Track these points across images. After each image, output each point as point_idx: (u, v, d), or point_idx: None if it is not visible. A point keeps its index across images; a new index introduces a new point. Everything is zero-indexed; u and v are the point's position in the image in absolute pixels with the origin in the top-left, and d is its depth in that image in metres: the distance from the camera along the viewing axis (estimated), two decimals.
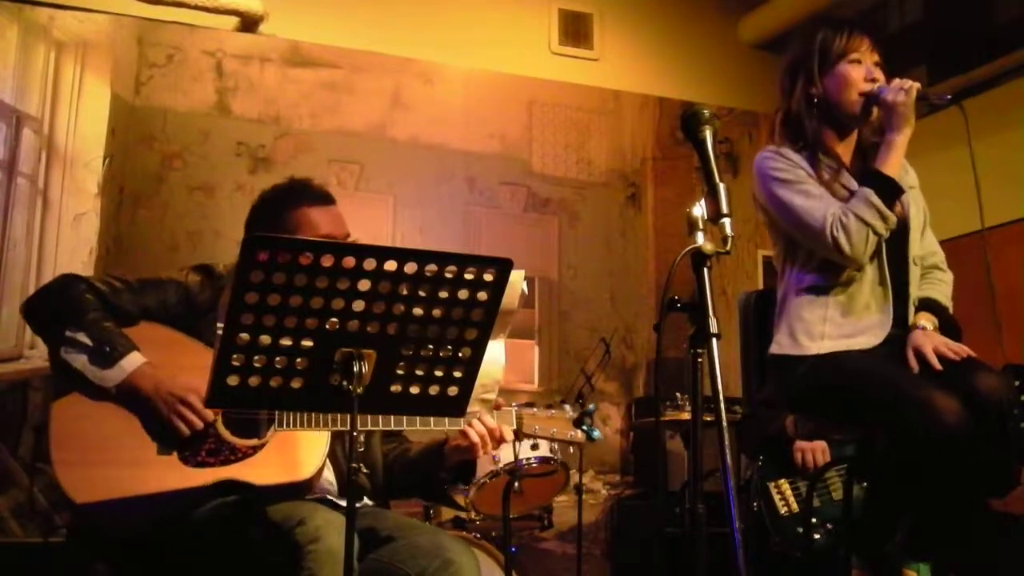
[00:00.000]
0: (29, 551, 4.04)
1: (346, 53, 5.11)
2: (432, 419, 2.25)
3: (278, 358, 1.76)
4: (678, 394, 4.18)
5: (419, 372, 1.84)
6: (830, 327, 2.55)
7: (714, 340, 1.74)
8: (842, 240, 2.47)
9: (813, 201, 2.54)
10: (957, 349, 2.47)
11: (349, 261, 1.69)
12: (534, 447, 3.42)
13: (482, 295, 1.77)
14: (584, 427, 2.51)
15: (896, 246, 2.60)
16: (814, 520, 3.39)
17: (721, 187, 1.79)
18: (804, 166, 2.59)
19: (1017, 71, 5.02)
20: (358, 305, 1.73)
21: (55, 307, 2.18)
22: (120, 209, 4.63)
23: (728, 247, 1.77)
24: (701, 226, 1.79)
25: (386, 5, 5.20)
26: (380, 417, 2.25)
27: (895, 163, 2.52)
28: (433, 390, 1.86)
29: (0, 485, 4.17)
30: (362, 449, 2.40)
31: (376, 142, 5.14)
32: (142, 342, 2.17)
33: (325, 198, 2.44)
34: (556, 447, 3.53)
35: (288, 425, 2.18)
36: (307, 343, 1.75)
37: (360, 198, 5.08)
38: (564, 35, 5.62)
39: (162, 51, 4.80)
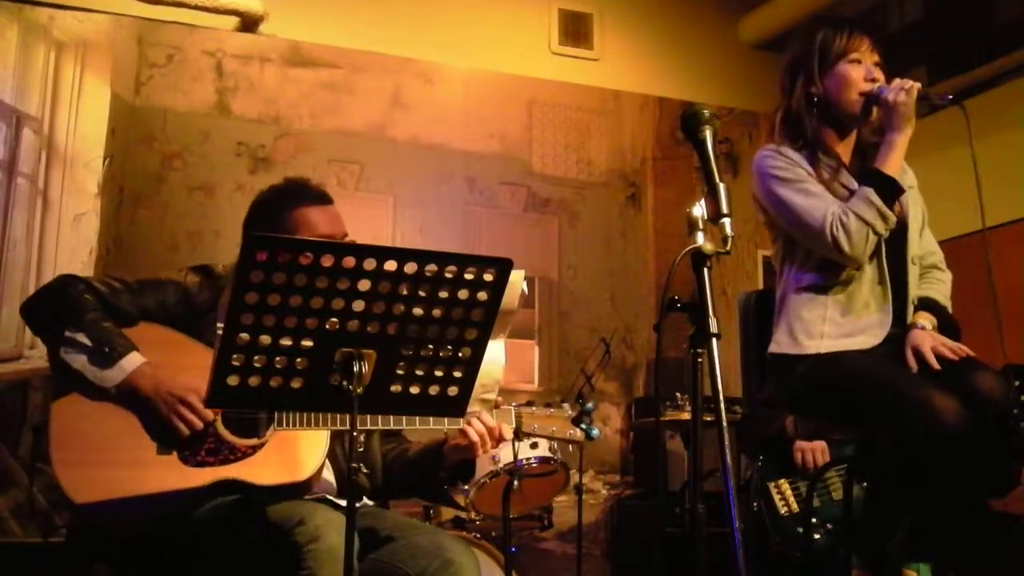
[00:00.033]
0: (29, 551, 4.03)
1: (346, 53, 5.11)
2: (432, 418, 2.25)
3: (278, 358, 1.76)
4: (678, 394, 4.18)
5: (419, 372, 1.84)
6: (829, 326, 2.55)
7: (714, 340, 1.74)
8: (842, 239, 2.48)
9: (813, 200, 2.54)
10: (956, 348, 2.47)
11: (349, 261, 1.69)
12: (533, 446, 3.42)
13: (482, 295, 1.77)
14: (583, 425, 2.52)
15: (895, 246, 2.60)
16: (814, 520, 3.39)
17: (721, 187, 1.79)
18: (804, 165, 2.59)
19: (1017, 71, 5.03)
20: (358, 305, 1.73)
21: (54, 307, 2.18)
22: (120, 209, 4.63)
23: (728, 247, 1.77)
24: (701, 226, 1.79)
25: (386, 5, 5.20)
26: (379, 416, 2.25)
27: (895, 163, 2.52)
28: (433, 390, 1.86)
29: (0, 485, 4.17)
30: (361, 449, 2.40)
31: (376, 142, 5.14)
32: (142, 342, 2.17)
33: (323, 198, 2.44)
34: (556, 446, 3.53)
35: (287, 424, 2.18)
36: (307, 343, 1.75)
37: (360, 198, 5.08)
38: (564, 35, 5.62)
39: (162, 51, 4.80)
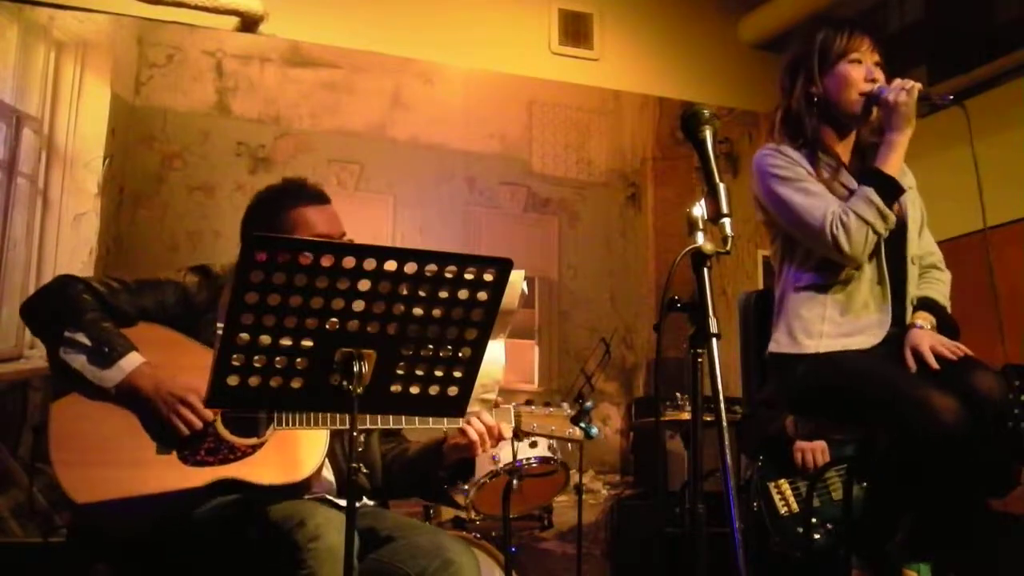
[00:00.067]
0: (29, 551, 4.03)
1: (346, 53, 5.11)
2: (431, 418, 2.25)
3: (278, 358, 1.76)
4: (678, 394, 4.18)
5: (419, 372, 1.84)
6: (828, 326, 2.55)
7: (714, 340, 1.74)
8: (842, 238, 2.48)
9: (813, 199, 2.54)
10: (954, 348, 2.47)
11: (349, 261, 1.69)
12: (533, 445, 3.42)
13: (482, 295, 1.77)
14: (582, 424, 2.52)
15: (894, 245, 2.60)
16: (814, 520, 3.39)
17: (721, 187, 1.79)
18: (804, 164, 2.59)
19: (1017, 71, 5.02)
20: (358, 305, 1.73)
21: (54, 307, 2.18)
22: (120, 209, 4.63)
23: (728, 247, 1.77)
24: (701, 226, 1.79)
25: (386, 5, 5.20)
26: (379, 416, 2.25)
27: (895, 163, 2.52)
28: (433, 390, 1.86)
29: (0, 485, 4.17)
30: (361, 449, 2.40)
31: (376, 142, 5.14)
32: (141, 343, 2.17)
33: (320, 197, 2.44)
34: (555, 446, 3.53)
35: (287, 424, 2.18)
36: (307, 343, 1.75)
37: (360, 198, 5.08)
38: (564, 35, 5.62)
39: (162, 51, 4.80)
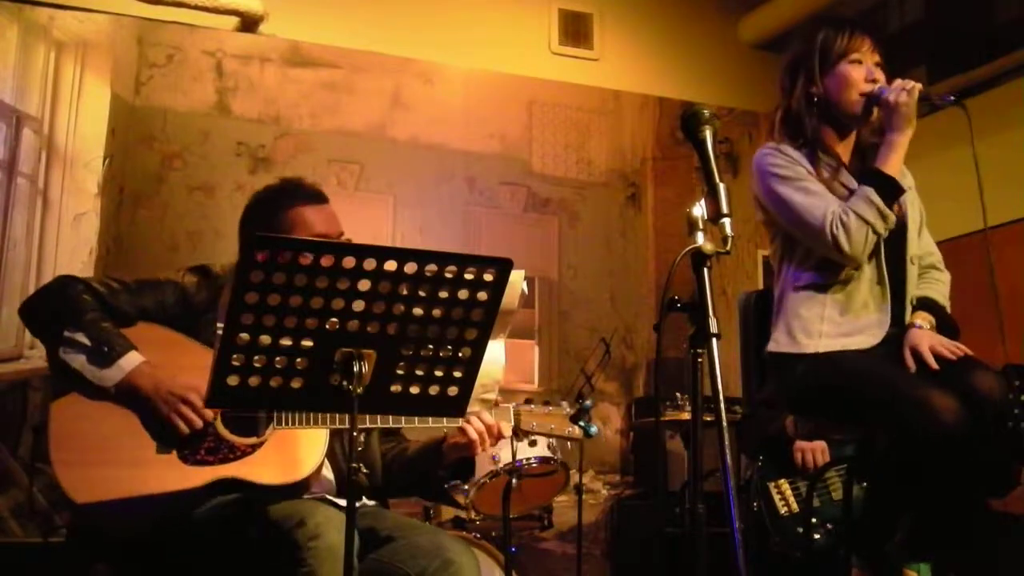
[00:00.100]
0: (29, 551, 4.03)
1: (346, 53, 5.11)
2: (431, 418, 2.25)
3: (278, 358, 1.76)
4: (678, 394, 4.18)
5: (419, 372, 1.84)
6: (828, 325, 2.55)
7: (714, 340, 1.74)
8: (842, 238, 2.47)
9: (813, 198, 2.54)
10: (954, 348, 2.47)
11: (349, 261, 1.69)
12: (532, 444, 3.42)
13: (482, 295, 1.77)
14: (581, 423, 2.52)
15: (894, 246, 2.60)
16: (814, 520, 3.39)
17: (721, 187, 1.79)
18: (804, 163, 2.59)
19: (1017, 71, 5.02)
20: (358, 305, 1.73)
21: (54, 308, 2.18)
22: (120, 209, 4.63)
23: (728, 247, 1.77)
24: (701, 226, 1.79)
25: (386, 5, 5.20)
26: (379, 415, 2.25)
27: (896, 163, 2.52)
28: (433, 390, 1.86)
29: (0, 485, 4.17)
30: (361, 448, 2.40)
31: (376, 142, 5.14)
32: (141, 342, 2.17)
33: (318, 197, 2.44)
34: (555, 445, 3.53)
35: (287, 423, 2.18)
36: (307, 343, 1.75)
37: (360, 198, 5.08)
38: (564, 35, 5.61)
39: (162, 51, 4.80)
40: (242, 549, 2.09)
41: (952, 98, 2.55)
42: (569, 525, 4.53)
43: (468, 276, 1.75)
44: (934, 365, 2.44)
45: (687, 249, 1.77)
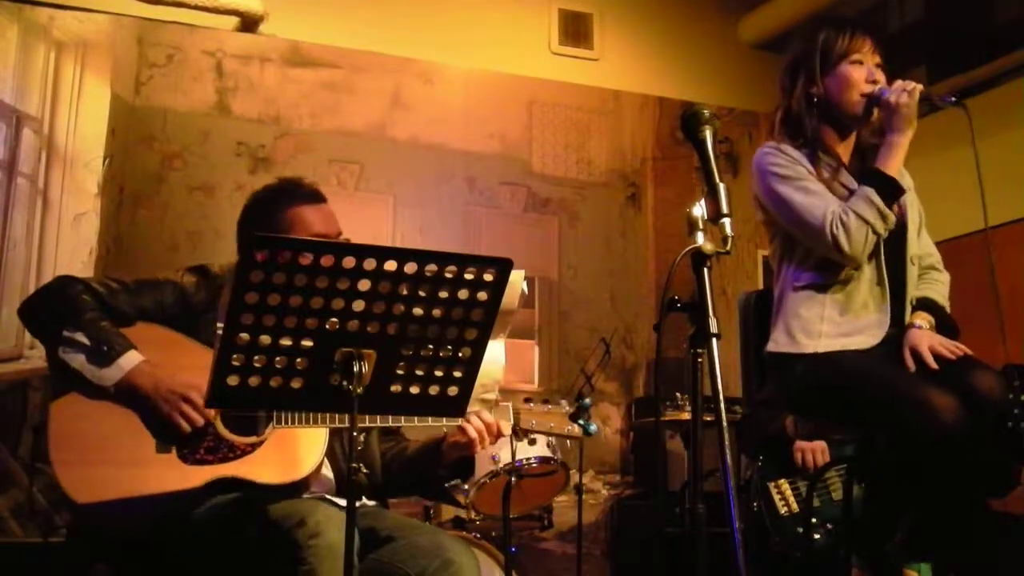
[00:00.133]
0: (29, 551, 4.03)
1: (346, 53, 5.11)
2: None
3: (278, 358, 1.76)
4: (678, 394, 4.18)
5: (419, 372, 1.84)
6: (828, 325, 2.55)
7: (714, 340, 1.74)
8: (842, 238, 2.47)
9: (813, 198, 2.54)
10: (953, 348, 2.47)
11: (349, 261, 1.69)
12: (532, 443, 3.42)
13: (482, 295, 1.77)
14: (580, 421, 2.52)
15: (894, 246, 2.60)
16: (814, 520, 3.39)
17: (721, 187, 1.79)
18: (804, 163, 2.59)
19: (1017, 71, 5.02)
20: (358, 305, 1.73)
21: (53, 308, 2.18)
22: (120, 209, 4.63)
23: (728, 247, 1.77)
24: (701, 226, 1.79)
25: (386, 5, 5.20)
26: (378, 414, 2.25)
27: (896, 163, 2.52)
28: (433, 390, 1.86)
29: (0, 485, 4.17)
30: (360, 448, 2.40)
31: (376, 142, 5.14)
32: (140, 342, 2.17)
33: (316, 196, 2.44)
34: (555, 445, 3.53)
35: (286, 422, 2.18)
36: (307, 343, 1.75)
37: (360, 198, 5.08)
38: (564, 35, 5.61)
39: (162, 51, 4.80)
40: (242, 548, 2.09)
41: (953, 99, 2.55)
42: (569, 525, 4.53)
43: (468, 276, 1.75)
44: (933, 365, 2.44)
45: (687, 249, 1.77)
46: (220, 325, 1.74)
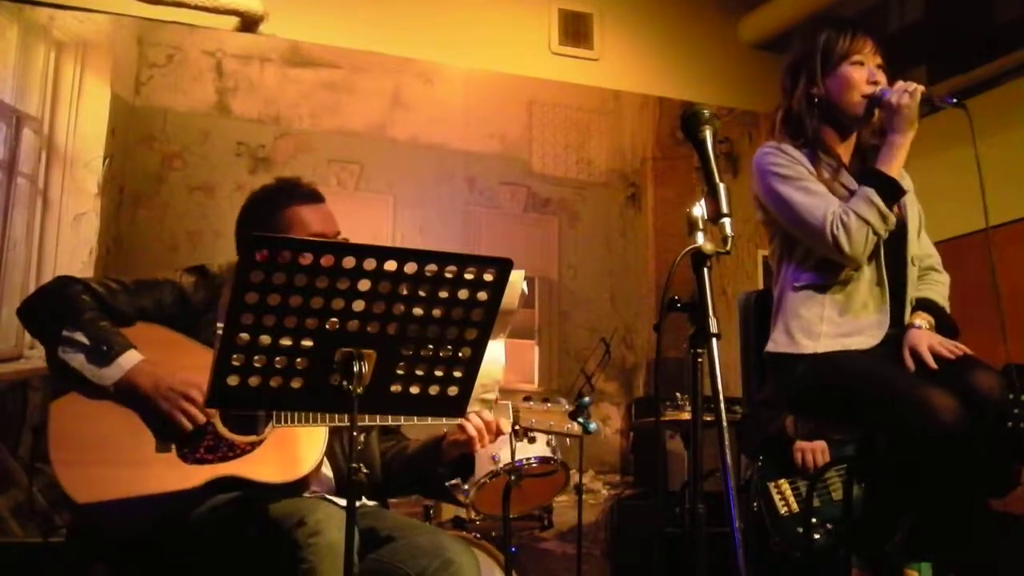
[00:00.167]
0: (29, 551, 4.03)
1: (346, 53, 5.11)
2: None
3: (278, 358, 1.76)
4: (678, 394, 4.18)
5: (419, 372, 1.84)
6: (827, 326, 2.55)
7: (714, 340, 1.74)
8: (842, 238, 2.47)
9: (813, 198, 2.54)
10: (953, 347, 2.47)
11: (349, 261, 1.69)
12: (531, 441, 3.42)
13: (482, 295, 1.77)
14: (580, 420, 2.52)
15: (894, 247, 2.60)
16: (814, 520, 3.39)
17: (721, 187, 1.79)
18: (805, 163, 2.59)
19: (1017, 71, 5.03)
20: (358, 305, 1.73)
21: (52, 307, 2.18)
22: (120, 209, 4.63)
23: (728, 247, 1.77)
24: (701, 226, 1.79)
25: (386, 5, 5.20)
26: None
27: (897, 164, 2.52)
28: (433, 390, 1.86)
29: (0, 485, 4.17)
30: (360, 447, 2.40)
31: (376, 142, 5.14)
32: (140, 342, 2.17)
33: (315, 196, 2.44)
34: (555, 444, 3.53)
35: (286, 421, 2.18)
36: (307, 343, 1.75)
37: (360, 198, 5.08)
38: (564, 35, 5.61)
39: (162, 51, 4.80)
40: (242, 548, 2.09)
41: (954, 100, 2.55)
42: (569, 525, 4.53)
43: (468, 276, 1.75)
44: (933, 365, 2.44)
45: (687, 249, 1.77)
46: (220, 325, 1.74)
